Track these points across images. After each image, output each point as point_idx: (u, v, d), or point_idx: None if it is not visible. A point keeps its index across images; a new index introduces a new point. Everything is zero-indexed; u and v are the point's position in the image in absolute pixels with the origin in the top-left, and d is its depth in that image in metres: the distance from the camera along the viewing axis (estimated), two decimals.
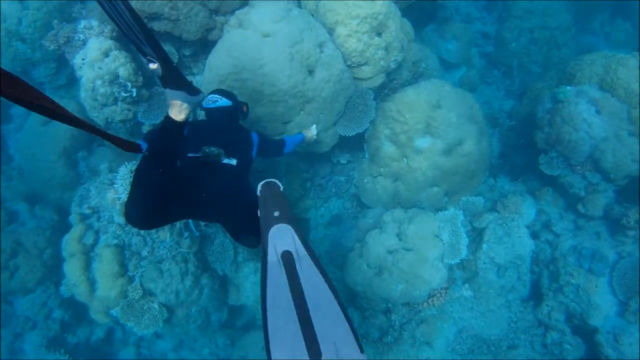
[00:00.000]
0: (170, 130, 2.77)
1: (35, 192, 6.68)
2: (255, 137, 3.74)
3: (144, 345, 6.38)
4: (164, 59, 2.63)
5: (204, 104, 3.74)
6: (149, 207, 2.73)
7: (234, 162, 3.24)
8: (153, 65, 2.65)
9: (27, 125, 6.78)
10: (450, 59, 7.08)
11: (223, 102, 3.73)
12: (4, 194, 6.84)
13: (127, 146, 2.11)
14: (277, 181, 2.93)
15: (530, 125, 6.18)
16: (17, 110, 7.66)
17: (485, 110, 6.70)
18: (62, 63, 6.77)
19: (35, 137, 6.47)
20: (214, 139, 3.27)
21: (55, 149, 6.30)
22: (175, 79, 2.72)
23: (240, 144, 3.53)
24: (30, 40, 6.75)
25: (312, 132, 4.87)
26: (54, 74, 6.98)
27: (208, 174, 3.07)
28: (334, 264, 5.88)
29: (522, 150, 6.42)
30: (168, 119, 2.76)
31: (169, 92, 2.76)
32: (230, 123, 3.75)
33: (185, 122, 2.81)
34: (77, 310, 6.28)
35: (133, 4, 5.08)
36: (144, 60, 2.74)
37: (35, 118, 6.71)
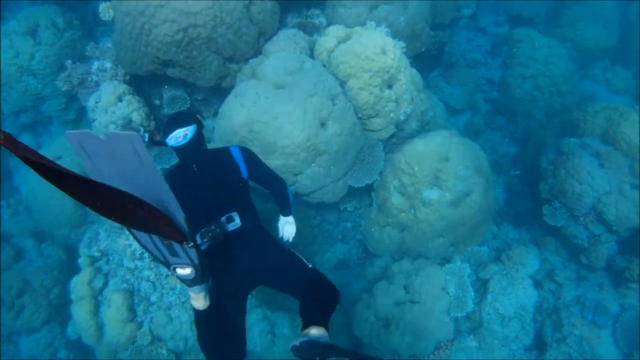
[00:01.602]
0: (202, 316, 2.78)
1: (42, 228, 6.69)
2: (235, 151, 3.36)
3: None
4: None
5: (174, 143, 3.34)
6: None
7: (237, 221, 2.98)
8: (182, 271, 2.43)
9: None
10: (456, 104, 7.22)
11: (190, 130, 3.36)
12: (11, 229, 6.86)
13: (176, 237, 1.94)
14: None
15: (534, 173, 6.30)
16: (26, 143, 7.66)
17: (489, 156, 6.83)
18: (71, 98, 6.84)
19: None
20: (202, 194, 3.05)
21: None
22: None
23: (226, 175, 3.24)
24: (42, 76, 6.84)
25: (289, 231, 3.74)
26: (64, 109, 7.07)
27: (227, 256, 2.94)
28: (339, 309, 5.91)
29: (526, 198, 6.53)
30: (198, 312, 2.76)
31: (196, 288, 2.57)
32: (201, 148, 3.45)
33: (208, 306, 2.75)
34: (83, 351, 6.26)
35: (149, 51, 5.20)
36: None
37: (44, 153, 6.76)
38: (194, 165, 3.21)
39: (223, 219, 2.95)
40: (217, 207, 3.02)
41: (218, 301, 2.80)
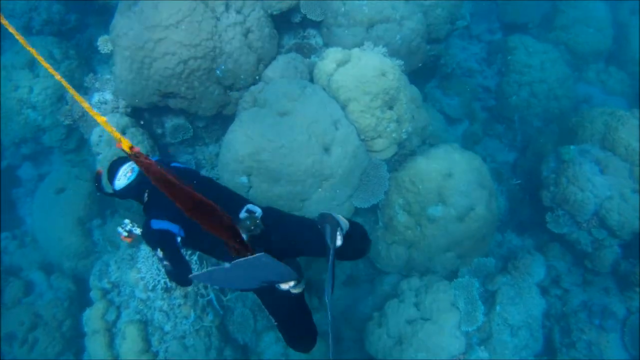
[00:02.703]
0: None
1: (50, 260, 6.75)
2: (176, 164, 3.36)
3: None
4: None
5: (126, 181, 3.15)
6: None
7: (259, 210, 3.00)
8: None
9: (40, 193, 6.85)
10: (453, 114, 7.29)
11: (132, 164, 3.17)
12: (18, 261, 6.91)
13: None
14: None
15: (535, 181, 6.39)
16: (26, 173, 7.73)
17: (489, 164, 6.90)
18: (71, 128, 6.84)
19: (49, 206, 6.56)
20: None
21: (70, 218, 6.40)
22: None
23: (202, 181, 3.21)
24: (41, 108, 6.88)
25: None
26: (64, 139, 7.10)
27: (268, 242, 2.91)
28: (350, 326, 6.01)
29: (528, 206, 6.61)
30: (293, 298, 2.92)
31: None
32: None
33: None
34: None
35: (150, 84, 5.24)
36: None
37: (47, 186, 6.79)
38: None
39: (242, 214, 2.95)
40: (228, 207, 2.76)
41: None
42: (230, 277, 2.50)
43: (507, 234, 6.47)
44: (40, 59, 1.44)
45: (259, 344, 5.62)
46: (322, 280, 6.16)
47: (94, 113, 1.43)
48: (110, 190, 3.25)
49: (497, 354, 5.58)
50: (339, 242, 2.84)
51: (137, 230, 3.11)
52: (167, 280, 4.97)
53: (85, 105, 1.40)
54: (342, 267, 6.22)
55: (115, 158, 3.35)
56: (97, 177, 3.17)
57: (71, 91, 1.54)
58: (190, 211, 1.99)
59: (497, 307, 5.55)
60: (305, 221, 3.16)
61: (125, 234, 3.11)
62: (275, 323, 3.12)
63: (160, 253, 2.98)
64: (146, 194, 3.14)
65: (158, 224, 2.97)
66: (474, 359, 5.54)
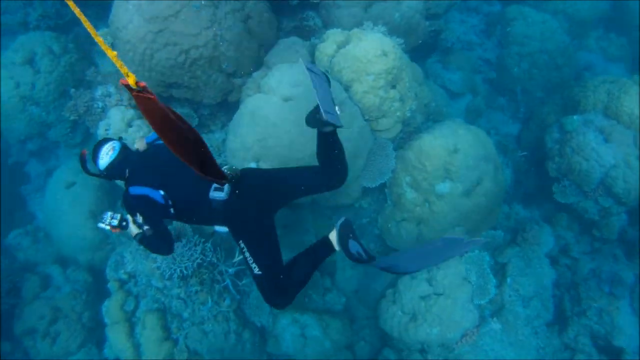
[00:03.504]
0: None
1: (65, 254, 6.83)
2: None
3: None
4: None
5: (108, 159, 3.42)
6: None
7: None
8: None
9: (49, 188, 6.89)
10: (455, 89, 7.29)
11: (113, 142, 3.54)
12: (33, 257, 6.99)
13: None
14: None
15: (539, 152, 6.42)
16: (34, 169, 7.78)
17: (493, 137, 6.94)
18: (76, 122, 6.85)
19: (59, 201, 6.60)
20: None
21: (82, 212, 6.44)
22: None
23: None
24: (45, 103, 6.86)
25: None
26: (70, 133, 7.10)
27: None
28: (363, 303, 6.12)
29: (534, 177, 6.66)
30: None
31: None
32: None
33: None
34: None
35: (153, 75, 5.26)
36: None
37: (56, 181, 6.84)
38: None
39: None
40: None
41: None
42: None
43: (514, 206, 6.53)
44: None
45: (275, 326, 5.73)
46: (333, 262, 6.27)
47: (105, 47, 1.48)
48: (96, 171, 3.46)
49: (509, 325, 5.71)
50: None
51: (117, 219, 3.27)
52: (183, 268, 5.05)
53: (100, 40, 1.42)
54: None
55: (98, 140, 3.60)
56: (82, 158, 3.37)
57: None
58: (186, 155, 1.91)
59: (508, 279, 5.65)
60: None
61: (108, 227, 3.27)
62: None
63: (139, 218, 3.24)
64: (127, 171, 3.37)
65: (136, 190, 3.23)
66: (487, 330, 5.67)
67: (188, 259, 5.07)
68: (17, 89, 6.76)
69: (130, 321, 5.63)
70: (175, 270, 5.09)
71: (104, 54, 7.10)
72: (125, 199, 3.30)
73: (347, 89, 5.32)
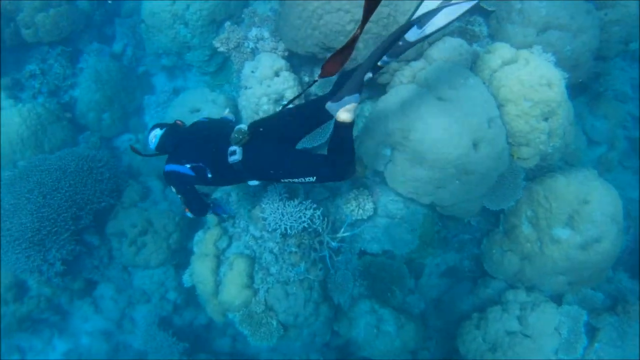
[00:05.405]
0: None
1: None
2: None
3: (239, 339, 6.75)
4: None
5: (153, 144, 4.46)
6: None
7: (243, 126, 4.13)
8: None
9: (174, 106, 6.99)
10: (594, 136, 6.99)
11: (154, 131, 4.49)
12: (138, 166, 7.25)
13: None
14: None
15: None
16: (160, 83, 7.97)
17: None
18: (215, 52, 6.96)
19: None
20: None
21: None
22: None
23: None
24: (193, 27, 6.99)
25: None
26: (206, 61, 7.24)
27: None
28: (440, 315, 6.07)
29: None
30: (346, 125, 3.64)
31: (347, 99, 3.49)
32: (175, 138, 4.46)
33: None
34: (190, 298, 6.69)
35: (315, 34, 5.27)
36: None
37: (182, 102, 6.99)
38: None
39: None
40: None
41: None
42: None
43: (618, 272, 6.25)
44: None
45: (352, 309, 5.77)
46: (422, 265, 6.21)
47: None
48: (150, 152, 4.44)
49: None
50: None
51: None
52: (289, 227, 5.12)
53: None
54: (445, 259, 6.23)
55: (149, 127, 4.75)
56: (134, 150, 4.23)
57: None
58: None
59: (596, 345, 5.44)
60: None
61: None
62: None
63: (173, 189, 4.30)
64: (172, 148, 4.31)
65: (168, 167, 4.17)
66: None
67: (295, 220, 5.12)
68: (173, 5, 6.92)
69: (219, 258, 5.78)
70: (280, 226, 5.17)
71: None
72: (163, 175, 4.26)
73: (499, 107, 5.19)
